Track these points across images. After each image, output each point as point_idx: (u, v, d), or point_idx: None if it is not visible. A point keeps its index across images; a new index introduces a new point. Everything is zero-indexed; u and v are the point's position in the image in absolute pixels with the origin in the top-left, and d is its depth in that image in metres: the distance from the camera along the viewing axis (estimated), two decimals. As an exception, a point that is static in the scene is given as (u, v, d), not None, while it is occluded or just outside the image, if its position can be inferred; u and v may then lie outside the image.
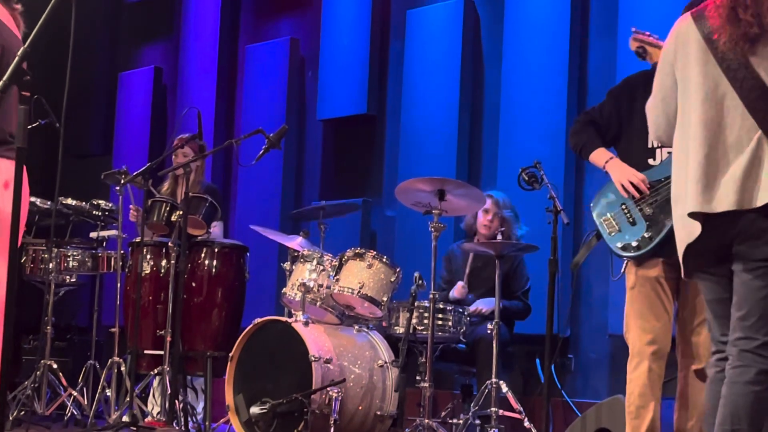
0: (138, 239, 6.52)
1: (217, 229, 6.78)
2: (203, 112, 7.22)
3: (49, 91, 5.73)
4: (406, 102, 7.83)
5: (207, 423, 6.16)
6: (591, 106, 6.86)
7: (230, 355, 5.70)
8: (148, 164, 6.42)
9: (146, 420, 6.12)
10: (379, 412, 5.63)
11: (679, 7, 4.13)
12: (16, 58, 3.10)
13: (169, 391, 5.95)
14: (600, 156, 4.60)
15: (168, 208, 6.36)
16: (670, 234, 3.80)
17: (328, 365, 5.45)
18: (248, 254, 6.68)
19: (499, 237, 5.89)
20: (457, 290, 6.31)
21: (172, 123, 9.43)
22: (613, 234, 4.59)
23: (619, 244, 4.57)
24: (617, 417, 5.26)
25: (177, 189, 6.79)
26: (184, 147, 6.71)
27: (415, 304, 5.61)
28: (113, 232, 6.80)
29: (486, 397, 5.64)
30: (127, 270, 6.64)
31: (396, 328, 5.84)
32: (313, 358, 5.38)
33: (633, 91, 4.58)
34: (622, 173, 4.51)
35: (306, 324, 5.56)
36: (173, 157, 6.80)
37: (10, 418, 6.24)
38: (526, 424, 5.59)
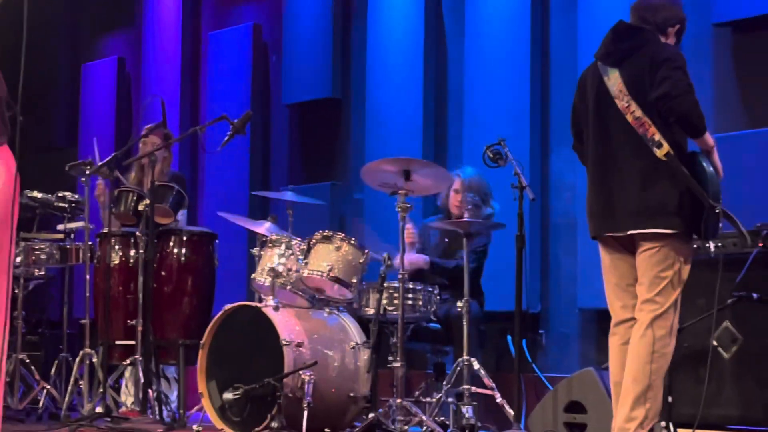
0: (105, 230, 6.47)
1: (181, 217, 6.75)
2: (167, 101, 7.19)
3: (11, 85, 5.67)
4: (370, 84, 7.81)
5: (181, 411, 6.14)
6: (554, 82, 6.95)
7: (202, 342, 5.68)
8: (113, 154, 6.38)
9: (120, 411, 6.09)
10: (352, 394, 5.63)
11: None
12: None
13: (142, 381, 5.93)
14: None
15: (135, 198, 6.32)
16: None
17: (300, 349, 5.44)
18: (217, 241, 6.65)
19: (467, 215, 5.88)
20: (415, 263, 6.25)
21: (137, 113, 9.38)
22: None
23: None
24: (588, 389, 5.29)
25: (144, 178, 6.75)
26: (149, 136, 6.67)
27: (385, 284, 5.59)
28: (80, 224, 6.74)
29: (459, 375, 5.64)
30: (95, 261, 6.59)
31: (366, 309, 5.82)
32: (284, 342, 5.37)
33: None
34: None
35: (276, 308, 5.54)
36: (141, 146, 6.75)
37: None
38: (499, 400, 5.60)
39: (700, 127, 4.21)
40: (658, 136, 4.19)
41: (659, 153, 4.18)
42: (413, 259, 6.17)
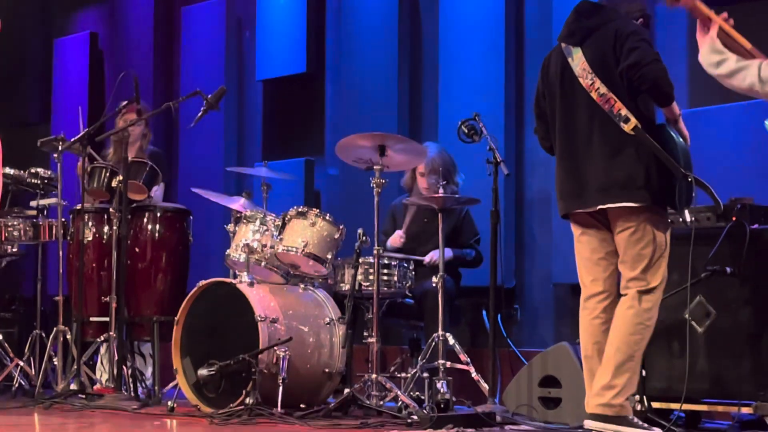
0: (79, 206, 6.43)
1: (158, 191, 6.72)
2: (141, 76, 7.11)
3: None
4: (345, 60, 7.77)
5: (156, 388, 6.13)
6: (528, 58, 6.94)
7: (176, 319, 5.67)
8: (85, 130, 6.33)
9: (95, 387, 6.07)
10: (327, 370, 5.64)
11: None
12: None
13: (117, 358, 5.92)
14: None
15: (108, 174, 6.29)
16: None
17: (275, 325, 5.44)
18: (191, 217, 6.65)
19: (441, 191, 5.87)
20: (394, 239, 6.29)
21: (110, 88, 9.28)
22: None
23: None
24: (562, 364, 5.31)
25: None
26: (124, 113, 6.60)
27: (360, 260, 5.59)
28: (53, 200, 6.70)
29: (434, 350, 5.65)
30: (69, 238, 6.56)
31: (341, 285, 5.82)
32: (259, 318, 5.37)
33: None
34: None
35: (251, 284, 5.54)
36: (120, 123, 6.70)
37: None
38: (474, 375, 5.61)
39: (671, 94, 4.26)
40: (624, 111, 4.22)
41: (626, 127, 4.20)
42: (436, 255, 6.15)
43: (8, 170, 6.79)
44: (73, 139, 6.25)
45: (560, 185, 4.49)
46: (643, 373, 4.66)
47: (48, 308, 7.47)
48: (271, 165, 6.55)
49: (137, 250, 6.41)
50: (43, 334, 6.77)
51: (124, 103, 6.60)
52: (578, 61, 4.35)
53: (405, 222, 6.37)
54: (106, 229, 6.46)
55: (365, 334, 5.55)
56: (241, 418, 5.05)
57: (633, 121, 4.20)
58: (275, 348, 5.35)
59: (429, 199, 5.90)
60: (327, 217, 5.77)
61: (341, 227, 5.79)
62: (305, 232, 5.70)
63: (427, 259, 6.16)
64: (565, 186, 4.46)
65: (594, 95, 4.29)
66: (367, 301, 5.73)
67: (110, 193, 6.26)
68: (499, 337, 5.62)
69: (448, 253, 6.07)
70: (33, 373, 6.58)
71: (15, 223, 6.75)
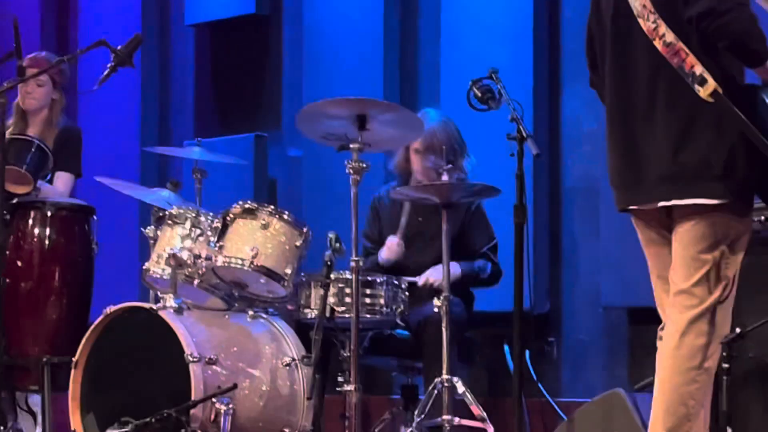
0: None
1: (59, 182, 6.71)
2: (24, 20, 7.11)
3: None
4: (310, -4, 7.81)
5: (47, 456, 6.14)
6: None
7: (74, 360, 5.67)
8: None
9: (-38, 457, 6.06)
10: (287, 429, 5.66)
11: None
12: None
13: (-8, 415, 5.91)
14: None
15: (-23, 157, 6.27)
16: None
17: (213, 367, 5.45)
18: (95, 218, 6.63)
19: (445, 177, 5.86)
20: (389, 250, 6.28)
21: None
22: None
23: None
24: (617, 418, 5.30)
25: (27, 130, 6.72)
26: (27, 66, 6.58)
27: (332, 276, 5.58)
28: None
29: (436, 402, 5.65)
30: None
31: (306, 311, 5.82)
32: (190, 359, 5.36)
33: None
34: None
35: (179, 311, 5.54)
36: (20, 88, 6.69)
37: None
38: (493, 435, 5.63)
39: (761, 52, 4.21)
40: (699, 69, 4.18)
41: (703, 92, 4.17)
42: (436, 277, 6.13)
43: None
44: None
45: (612, 166, 4.47)
46: (730, 431, 4.66)
47: None
48: (206, 144, 6.55)
49: (20, 263, 6.40)
50: None
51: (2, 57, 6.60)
52: None
53: (401, 223, 6.36)
54: (-26, 234, 6.44)
55: (340, 379, 5.53)
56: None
57: (711, 83, 4.17)
58: (213, 400, 5.34)
59: (428, 189, 5.90)
60: (285, 216, 5.77)
61: (305, 230, 5.79)
62: (255, 237, 5.70)
63: (421, 280, 6.14)
64: (617, 168, 4.44)
65: (658, 44, 4.26)
66: (343, 334, 5.72)
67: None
68: (527, 383, 5.62)
69: (455, 268, 6.05)
70: None
71: None
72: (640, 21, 4.31)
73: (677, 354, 4.22)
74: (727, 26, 4.14)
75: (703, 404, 4.26)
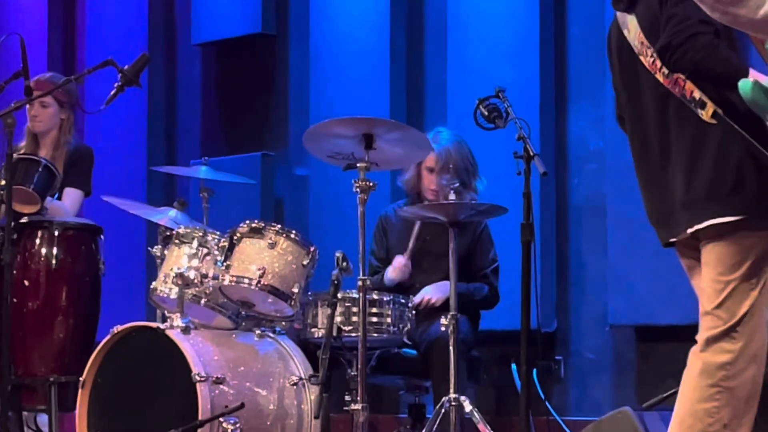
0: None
1: (67, 199, 6.72)
2: (31, 39, 7.12)
3: None
4: (316, 16, 7.82)
5: (54, 476, 6.14)
6: (572, 12, 6.94)
7: (81, 379, 5.67)
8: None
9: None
10: (294, 449, 5.64)
11: None
12: None
13: (-2, 435, 5.91)
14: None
15: (-16, 177, 6.28)
16: None
17: (220, 386, 5.44)
18: (102, 237, 6.64)
19: (452, 196, 5.86)
20: (396, 269, 6.27)
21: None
22: None
23: None
24: (624, 438, 5.30)
25: (38, 151, 6.75)
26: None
27: (339, 295, 5.58)
28: None
29: (444, 420, 5.65)
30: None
31: (313, 330, 5.82)
32: (197, 378, 5.36)
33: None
34: None
35: (186, 331, 5.54)
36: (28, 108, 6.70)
37: None
38: (500, 454, 5.62)
39: (726, 74, 4.15)
40: (698, 94, 4.17)
41: (705, 115, 4.16)
42: (434, 296, 6.13)
43: None
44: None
45: (645, 204, 4.46)
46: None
47: None
48: (212, 163, 6.55)
49: (26, 283, 6.40)
50: None
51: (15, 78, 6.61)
52: (635, 33, 4.33)
53: (410, 243, 6.35)
54: (-19, 254, 6.45)
55: (347, 398, 5.53)
56: None
57: (710, 105, 4.16)
58: (221, 419, 5.34)
59: (435, 208, 5.90)
60: (292, 236, 5.77)
61: (312, 249, 5.79)
62: (262, 257, 5.70)
63: (416, 299, 6.11)
64: (650, 205, 4.43)
65: (659, 77, 4.26)
66: (350, 353, 5.73)
67: (-10, 204, 6.25)
68: (534, 401, 5.60)
69: (447, 289, 6.03)
70: None
71: None
72: (641, 58, 4.32)
73: (695, 370, 4.17)
74: (682, 59, 4.10)
75: (729, 425, 4.15)
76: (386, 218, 6.54)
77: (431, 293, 6.18)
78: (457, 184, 5.96)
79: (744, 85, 4.00)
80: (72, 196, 6.77)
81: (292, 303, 5.75)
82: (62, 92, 6.65)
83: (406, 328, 5.87)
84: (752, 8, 3.58)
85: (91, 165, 6.86)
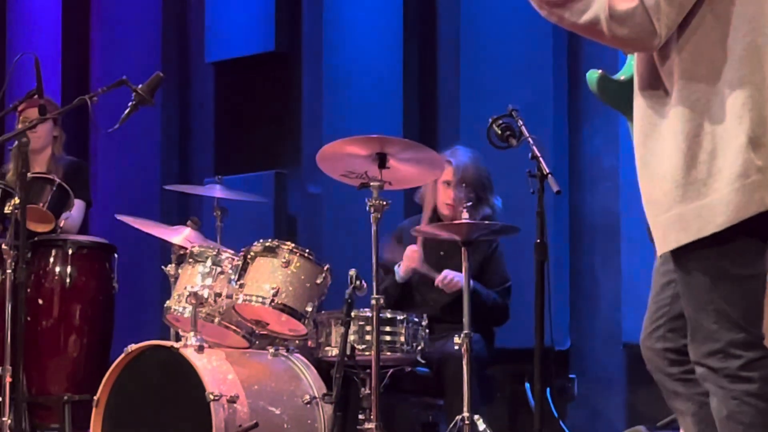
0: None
1: (75, 214, 6.73)
2: (45, 59, 7.14)
3: None
4: (330, 35, 7.83)
5: (68, 495, 6.14)
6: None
7: (95, 398, 5.65)
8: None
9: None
10: (308, 468, 5.64)
11: None
12: None
13: (12, 454, 5.91)
14: None
15: (-1, 196, 6.30)
16: None
17: (234, 405, 5.43)
18: (116, 256, 6.64)
19: (465, 215, 5.86)
20: (408, 258, 6.23)
21: (3, 76, 9.34)
22: None
23: None
24: (638, 457, 5.29)
25: (32, 169, 6.73)
26: (22, 109, 6.61)
27: (353, 314, 5.58)
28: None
29: (457, 439, 5.64)
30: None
31: (327, 349, 5.81)
32: (211, 397, 5.36)
33: None
34: None
35: (200, 349, 5.53)
36: (18, 125, 6.72)
37: None
38: (514, 473, 5.62)
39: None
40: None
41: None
42: (456, 276, 6.10)
43: None
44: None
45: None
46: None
47: None
48: (227, 181, 6.56)
49: (41, 302, 6.42)
50: None
51: (25, 98, 6.62)
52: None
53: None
54: (-4, 272, 6.46)
55: (361, 417, 5.54)
56: None
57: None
58: (235, 438, 5.34)
59: (447, 228, 5.90)
60: (306, 254, 5.77)
61: (326, 268, 5.78)
62: (275, 276, 5.70)
63: (440, 277, 6.11)
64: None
65: None
66: (363, 372, 5.72)
67: (2, 221, 6.26)
68: (548, 420, 5.60)
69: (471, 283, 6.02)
70: None
71: None
72: None
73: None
74: None
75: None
76: (402, 230, 6.51)
77: (455, 274, 6.13)
78: (471, 204, 5.96)
79: (590, 76, 4.03)
80: (77, 206, 6.77)
81: (306, 322, 5.74)
82: (51, 109, 6.59)
83: (419, 347, 5.87)
84: (576, 12, 3.50)
85: (88, 177, 6.89)
